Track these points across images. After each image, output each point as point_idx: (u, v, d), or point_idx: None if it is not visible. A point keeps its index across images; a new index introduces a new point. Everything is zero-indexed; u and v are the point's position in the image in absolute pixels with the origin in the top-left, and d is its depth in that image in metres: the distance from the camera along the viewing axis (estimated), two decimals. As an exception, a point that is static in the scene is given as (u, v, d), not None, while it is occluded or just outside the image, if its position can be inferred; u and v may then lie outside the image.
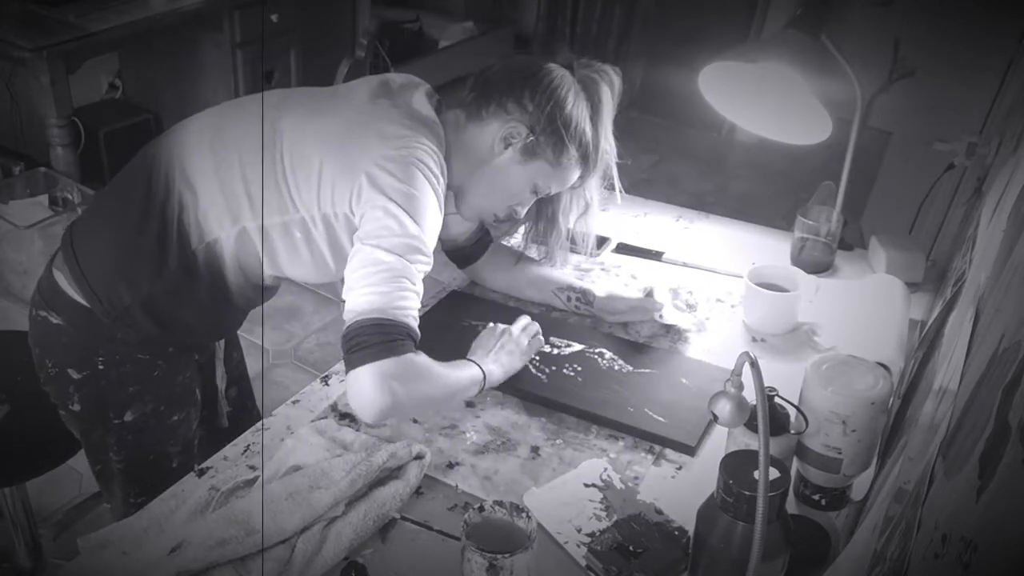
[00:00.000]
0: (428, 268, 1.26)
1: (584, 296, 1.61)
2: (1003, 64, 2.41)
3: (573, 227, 1.56)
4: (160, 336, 1.37)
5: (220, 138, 1.32)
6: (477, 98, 1.38)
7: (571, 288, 1.62)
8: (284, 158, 1.28)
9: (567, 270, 1.73)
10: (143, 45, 3.53)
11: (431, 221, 1.26)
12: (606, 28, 4.52)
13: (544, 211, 1.54)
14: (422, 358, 1.23)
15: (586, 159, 1.41)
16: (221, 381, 1.61)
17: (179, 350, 1.42)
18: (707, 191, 3.85)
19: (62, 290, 1.36)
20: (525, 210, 1.47)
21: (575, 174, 1.43)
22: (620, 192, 1.52)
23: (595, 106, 1.38)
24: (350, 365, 1.17)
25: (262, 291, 1.43)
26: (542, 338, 1.51)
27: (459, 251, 1.64)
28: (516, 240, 1.75)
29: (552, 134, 1.35)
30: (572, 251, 1.65)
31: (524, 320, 1.51)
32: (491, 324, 1.48)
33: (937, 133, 1.86)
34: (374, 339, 1.16)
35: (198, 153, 1.31)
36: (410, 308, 1.21)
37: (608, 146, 1.43)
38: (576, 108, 1.36)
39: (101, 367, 1.36)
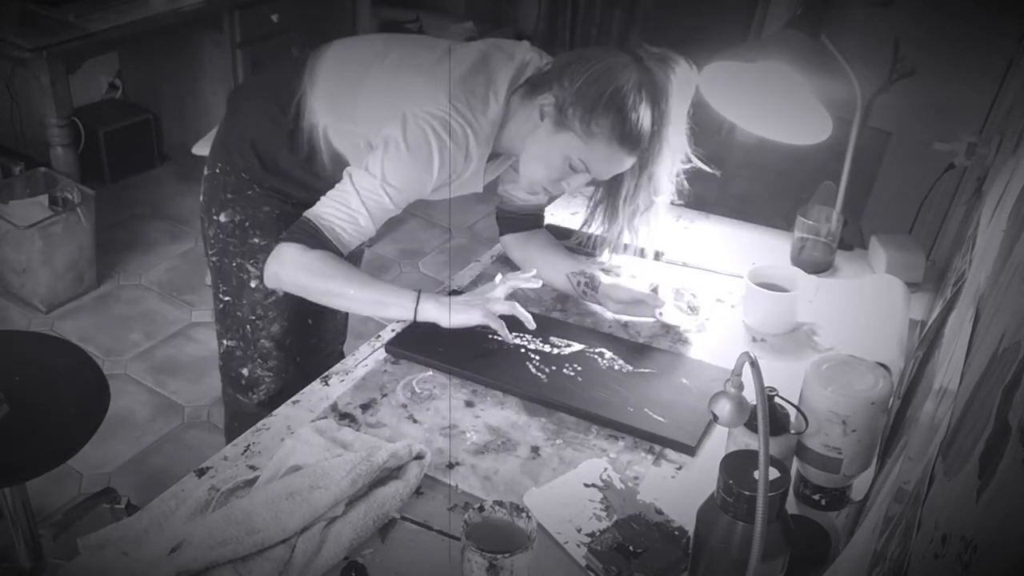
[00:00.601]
0: (392, 211, 1.49)
1: (591, 281, 1.62)
2: (1003, 64, 2.41)
3: (635, 223, 1.57)
4: (259, 171, 1.64)
5: (345, 52, 1.60)
6: (538, 79, 1.48)
7: (582, 272, 1.65)
8: (367, 84, 1.53)
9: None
10: (143, 45, 3.53)
11: (414, 180, 1.46)
12: (606, 28, 4.52)
13: (608, 197, 1.57)
14: (321, 253, 1.46)
15: (626, 138, 1.40)
16: None
17: (273, 189, 1.66)
18: (707, 191, 3.84)
19: (223, 121, 1.73)
20: (573, 188, 1.52)
21: (617, 153, 1.43)
22: (675, 194, 1.54)
23: (652, 92, 1.40)
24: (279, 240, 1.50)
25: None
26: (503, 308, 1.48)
27: (511, 216, 1.74)
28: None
29: (579, 105, 1.40)
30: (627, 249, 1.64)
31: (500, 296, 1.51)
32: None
33: (937, 133, 1.86)
34: (294, 229, 1.48)
35: (327, 57, 1.59)
36: (343, 238, 1.48)
37: (670, 136, 1.44)
38: (614, 82, 1.38)
39: (217, 171, 1.69)
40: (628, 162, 1.46)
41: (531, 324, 1.49)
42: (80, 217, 2.91)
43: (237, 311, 1.72)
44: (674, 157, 1.48)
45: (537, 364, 1.48)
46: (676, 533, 1.15)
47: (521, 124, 1.49)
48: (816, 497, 1.17)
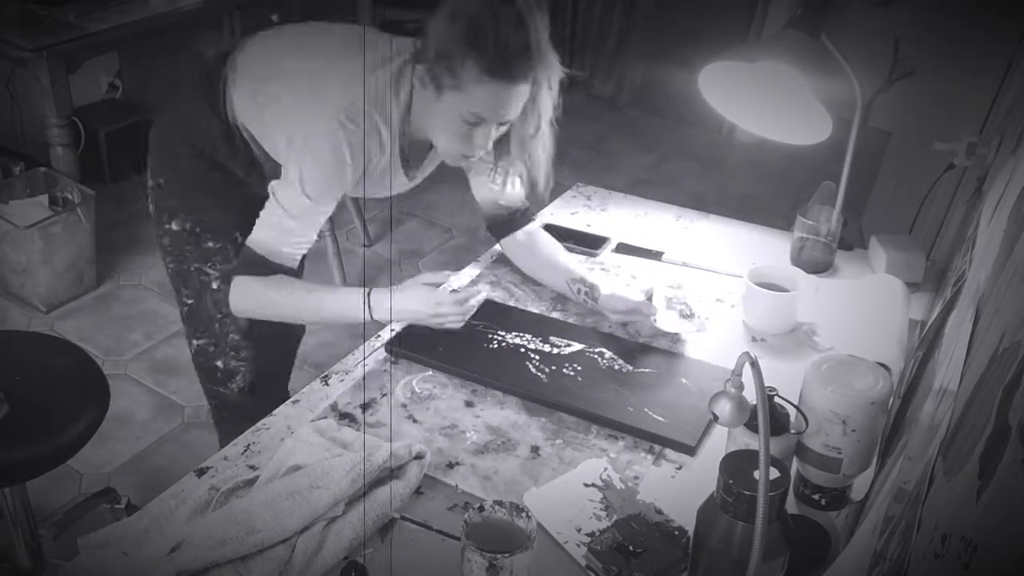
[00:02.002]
0: (321, 212, 1.49)
1: (591, 291, 1.62)
2: (1003, 64, 2.41)
3: (527, 151, 1.53)
4: (205, 174, 1.63)
5: (261, 46, 1.60)
6: (416, 55, 1.46)
7: (582, 281, 1.64)
8: (278, 78, 1.53)
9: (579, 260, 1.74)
10: (143, 45, 3.52)
11: (330, 176, 1.45)
12: (606, 28, 4.52)
13: (503, 139, 1.53)
14: (275, 280, 1.49)
15: (497, 68, 1.34)
16: None
17: (218, 190, 1.65)
18: (707, 191, 3.84)
19: (155, 142, 1.71)
20: (485, 141, 1.45)
21: (498, 87, 1.37)
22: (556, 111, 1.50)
23: (511, 12, 1.33)
24: (232, 274, 1.52)
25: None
26: (463, 318, 1.50)
27: (498, 220, 1.73)
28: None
29: (442, 58, 1.36)
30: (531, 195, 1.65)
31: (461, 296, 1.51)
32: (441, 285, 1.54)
33: (937, 133, 1.86)
34: (241, 261, 1.50)
35: (246, 51, 1.58)
36: (286, 254, 1.49)
37: (545, 52, 1.38)
38: (467, 20, 1.34)
39: (162, 182, 1.67)
40: (518, 91, 1.39)
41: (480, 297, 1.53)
42: (80, 217, 2.91)
43: (203, 311, 1.73)
44: (552, 73, 1.42)
45: (537, 364, 1.48)
46: (676, 533, 1.15)
47: (421, 104, 1.47)
48: (816, 497, 1.17)
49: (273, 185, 1.48)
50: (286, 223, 1.46)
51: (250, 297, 1.51)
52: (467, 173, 1.68)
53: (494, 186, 1.67)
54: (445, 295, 1.50)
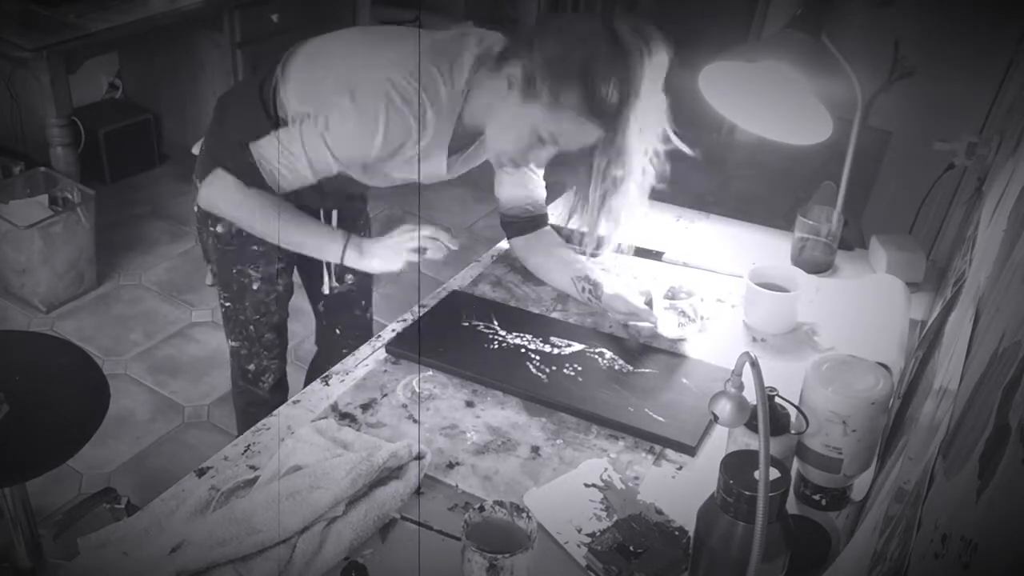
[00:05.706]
0: (331, 164, 1.48)
1: (595, 289, 1.62)
2: (1003, 64, 2.41)
3: (608, 205, 1.51)
4: (256, 174, 1.55)
5: (318, 47, 1.59)
6: (504, 51, 1.46)
7: (587, 279, 1.65)
8: (334, 73, 1.50)
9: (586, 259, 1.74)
10: (143, 45, 3.53)
11: (356, 137, 1.45)
12: (606, 28, 4.51)
13: (580, 180, 1.52)
14: (260, 198, 1.51)
15: (595, 110, 1.36)
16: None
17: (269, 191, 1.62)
18: (707, 191, 3.84)
19: (211, 124, 1.72)
20: (540, 161, 1.49)
21: (585, 125, 1.38)
22: (655, 177, 1.50)
23: (622, 64, 1.35)
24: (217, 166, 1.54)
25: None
26: (441, 245, 1.53)
27: (515, 219, 1.72)
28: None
29: (549, 76, 1.36)
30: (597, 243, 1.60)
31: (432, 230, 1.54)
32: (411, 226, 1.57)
33: (937, 133, 1.86)
34: (233, 158, 1.50)
35: (300, 53, 1.59)
36: (279, 180, 1.49)
37: (640, 111, 1.38)
38: (586, 53, 1.34)
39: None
40: (596, 134, 1.40)
41: (454, 246, 1.53)
42: (80, 217, 2.91)
43: (239, 315, 1.77)
44: (644, 134, 1.42)
45: (537, 364, 1.48)
46: (676, 533, 1.15)
47: (488, 95, 1.46)
48: (816, 497, 1.17)
49: (304, 120, 1.48)
50: (297, 156, 1.46)
51: (230, 201, 1.52)
52: (495, 168, 1.65)
53: (520, 188, 1.68)
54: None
